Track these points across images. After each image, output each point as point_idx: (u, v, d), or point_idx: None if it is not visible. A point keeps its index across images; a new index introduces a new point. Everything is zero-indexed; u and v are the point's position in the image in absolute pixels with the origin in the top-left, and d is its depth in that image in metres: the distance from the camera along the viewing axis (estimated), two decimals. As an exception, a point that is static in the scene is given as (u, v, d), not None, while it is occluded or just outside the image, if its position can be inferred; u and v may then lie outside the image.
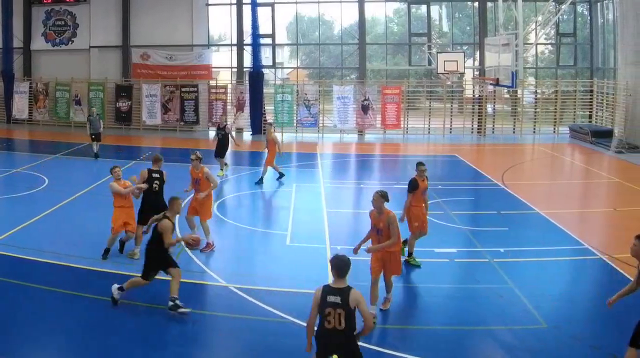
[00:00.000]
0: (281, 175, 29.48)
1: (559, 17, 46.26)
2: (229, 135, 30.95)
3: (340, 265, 10.52)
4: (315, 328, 10.57)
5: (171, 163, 33.82)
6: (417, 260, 18.45)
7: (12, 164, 33.29)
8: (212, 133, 47.02)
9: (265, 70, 47.57)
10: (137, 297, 15.65)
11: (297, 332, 13.95)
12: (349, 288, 10.34)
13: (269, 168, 29.25)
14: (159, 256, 15.03)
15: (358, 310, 10.30)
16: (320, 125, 47.61)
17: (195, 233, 18.96)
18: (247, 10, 47.40)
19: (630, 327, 12.82)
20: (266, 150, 29.50)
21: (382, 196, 14.88)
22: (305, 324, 10.92)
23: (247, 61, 48.82)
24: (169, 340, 13.77)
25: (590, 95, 47.75)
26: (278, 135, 31.75)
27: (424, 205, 18.83)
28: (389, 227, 14.61)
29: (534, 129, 47.94)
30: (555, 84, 48.15)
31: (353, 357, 10.44)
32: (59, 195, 26.01)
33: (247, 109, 47.06)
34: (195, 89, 48.18)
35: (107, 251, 18.75)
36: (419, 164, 19.00)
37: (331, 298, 10.30)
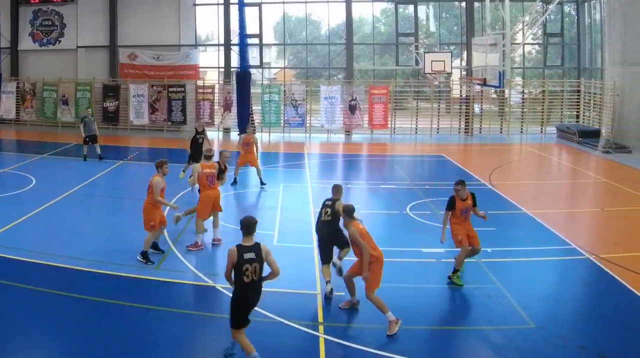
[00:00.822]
0: (235, 181, 29.05)
1: (546, 17, 46.29)
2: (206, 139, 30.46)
3: (249, 223, 12.25)
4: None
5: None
6: (460, 279, 17.14)
7: (0, 164, 33.08)
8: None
9: (252, 70, 47.30)
10: (124, 297, 15.64)
11: (285, 331, 13.99)
12: (258, 244, 12.18)
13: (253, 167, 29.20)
14: None
15: (267, 262, 12.27)
16: (308, 125, 47.56)
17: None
18: (234, 10, 46.99)
19: (618, 327, 12.85)
20: (252, 150, 29.11)
21: (344, 212, 14.86)
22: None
23: (235, 61, 48.53)
24: (157, 340, 13.66)
25: (578, 95, 47.85)
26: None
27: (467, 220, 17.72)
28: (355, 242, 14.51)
29: (521, 129, 47.98)
30: (543, 84, 48.26)
31: (256, 301, 12.46)
32: (47, 195, 25.86)
33: (234, 109, 46.89)
34: (183, 89, 48.02)
35: (147, 254, 18.43)
36: (456, 183, 17.52)
37: (247, 255, 11.96)
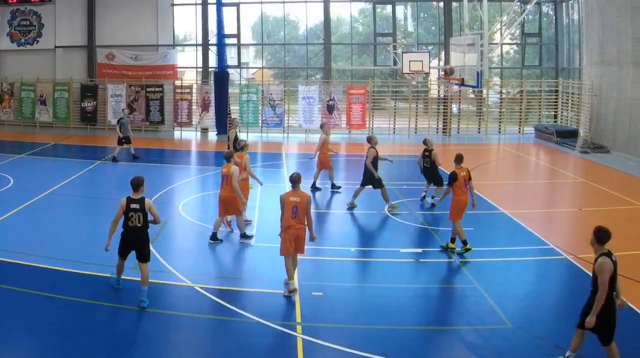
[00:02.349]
0: None
1: (524, 17, 46.38)
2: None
3: (137, 183, 15.44)
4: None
5: (142, 163, 33.83)
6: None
7: (-22, 164, 32.85)
8: (177, 133, 46.98)
9: (230, 70, 47.29)
10: (103, 297, 15.58)
11: (263, 331, 13.94)
12: (143, 198, 15.32)
13: None
14: None
15: (151, 213, 15.35)
16: (286, 125, 47.43)
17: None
18: (212, 10, 47.00)
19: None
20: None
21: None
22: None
23: (212, 61, 48.55)
24: (136, 340, 13.63)
25: (556, 95, 48.04)
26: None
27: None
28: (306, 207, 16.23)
29: (499, 129, 48.16)
30: (521, 84, 48.46)
31: (144, 245, 15.37)
32: (25, 195, 25.70)
33: (212, 109, 46.76)
34: (161, 89, 47.83)
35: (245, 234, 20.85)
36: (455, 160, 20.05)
37: (133, 206, 15.15)
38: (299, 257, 16.81)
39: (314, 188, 28.19)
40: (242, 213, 21.04)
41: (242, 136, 43.01)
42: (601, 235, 12.24)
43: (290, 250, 16.11)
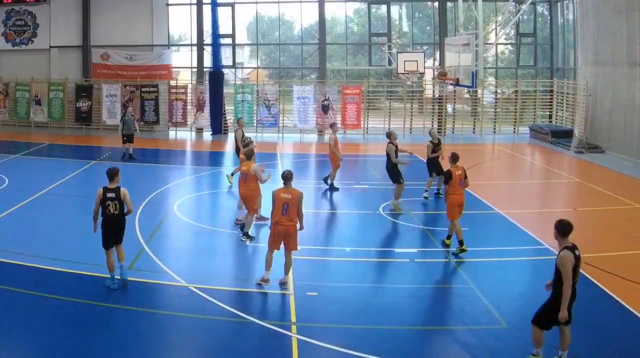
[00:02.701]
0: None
1: (519, 17, 46.41)
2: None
3: (112, 173, 16.23)
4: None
5: (137, 163, 33.82)
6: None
7: (-27, 164, 32.81)
8: (172, 133, 46.94)
9: (225, 70, 47.25)
10: (97, 297, 15.56)
11: (258, 331, 13.95)
12: (119, 187, 16.12)
13: None
14: None
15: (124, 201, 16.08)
16: (281, 125, 47.40)
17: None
18: (207, 10, 47.05)
19: (591, 327, 12.83)
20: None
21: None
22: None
23: (207, 61, 48.69)
24: (130, 340, 13.54)
25: (550, 95, 48.08)
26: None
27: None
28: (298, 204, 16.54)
29: (494, 129, 48.19)
30: (516, 84, 48.41)
31: (122, 229, 16.40)
32: (19, 195, 25.69)
33: (207, 109, 46.74)
34: (156, 89, 47.82)
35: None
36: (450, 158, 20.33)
37: (109, 195, 16.00)
38: (297, 257, 16.83)
39: (332, 188, 28.17)
40: (257, 211, 21.67)
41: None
42: (562, 228, 12.37)
43: (274, 246, 16.53)
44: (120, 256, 16.37)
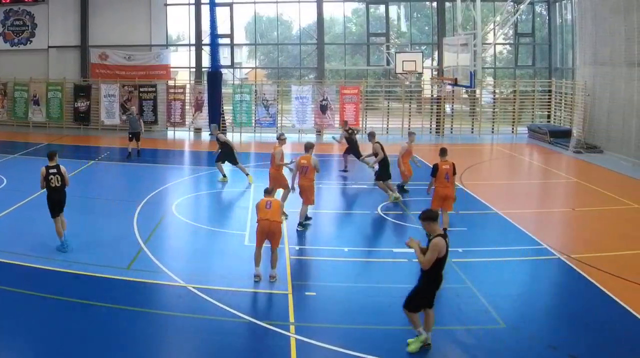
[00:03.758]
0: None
1: (517, 17, 46.47)
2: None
3: (51, 153, 19.64)
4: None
5: (134, 163, 33.82)
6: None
7: (-28, 164, 32.80)
8: (170, 133, 46.92)
9: (223, 70, 47.24)
10: (95, 297, 15.55)
11: (256, 331, 13.97)
12: (58, 165, 19.37)
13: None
14: None
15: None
16: (279, 125, 47.28)
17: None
18: (205, 10, 46.99)
19: (589, 326, 12.82)
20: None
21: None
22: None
23: (206, 61, 48.63)
24: (128, 340, 13.53)
25: (549, 95, 48.06)
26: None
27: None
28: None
29: (493, 129, 48.13)
30: (514, 84, 48.38)
31: (64, 199, 19.62)
32: (18, 195, 25.66)
33: (205, 109, 46.71)
34: (154, 89, 47.80)
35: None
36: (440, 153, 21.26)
37: (51, 171, 19.22)
38: (296, 257, 16.84)
39: (402, 189, 27.52)
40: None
41: (243, 136, 43.19)
42: (431, 213, 13.33)
43: (258, 241, 17.06)
44: (64, 225, 19.60)
